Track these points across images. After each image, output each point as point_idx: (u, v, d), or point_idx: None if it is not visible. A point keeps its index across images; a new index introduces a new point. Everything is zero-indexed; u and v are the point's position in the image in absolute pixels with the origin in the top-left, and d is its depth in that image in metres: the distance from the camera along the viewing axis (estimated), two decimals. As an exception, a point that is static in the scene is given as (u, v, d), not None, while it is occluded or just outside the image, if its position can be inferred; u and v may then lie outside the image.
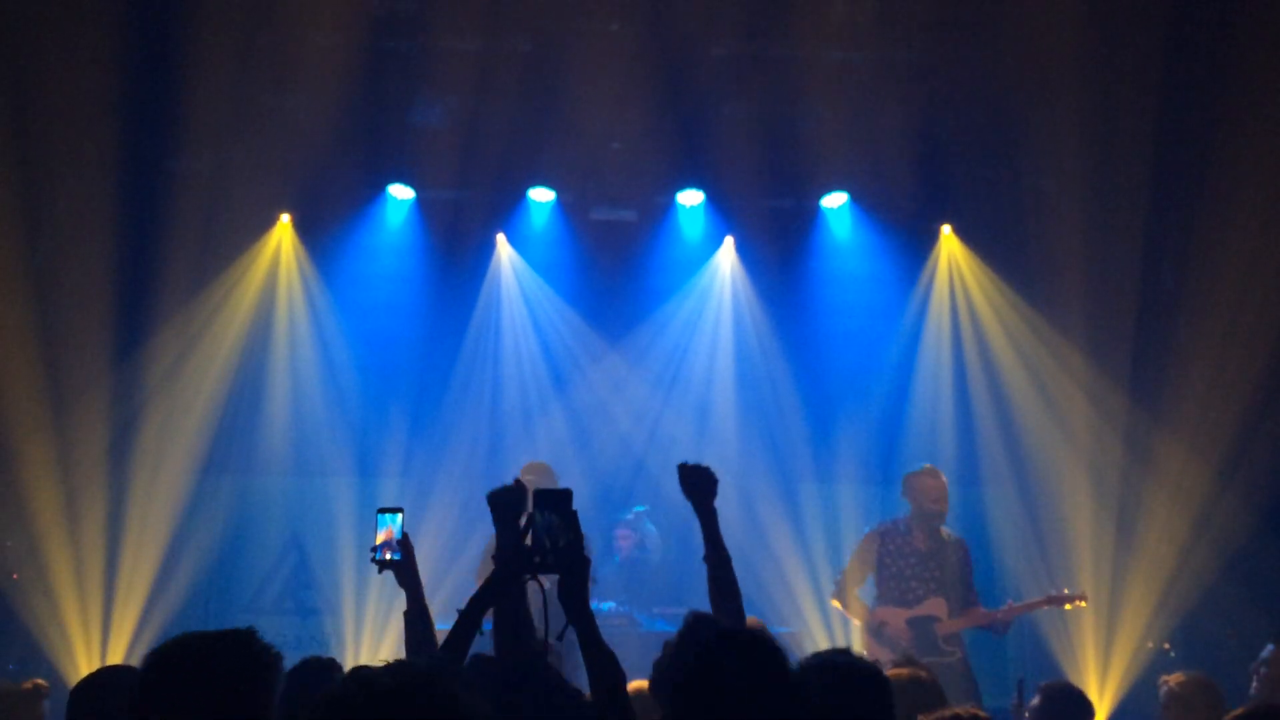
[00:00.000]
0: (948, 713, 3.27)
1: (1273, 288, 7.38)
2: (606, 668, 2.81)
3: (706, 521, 3.51)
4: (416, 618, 3.43)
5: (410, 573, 3.48)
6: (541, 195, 8.57)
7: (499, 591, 3.06)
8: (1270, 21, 6.98)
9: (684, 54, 7.62)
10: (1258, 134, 7.21)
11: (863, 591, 6.79)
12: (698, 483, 3.54)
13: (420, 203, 8.56)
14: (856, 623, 6.83)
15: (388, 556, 3.46)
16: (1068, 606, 6.71)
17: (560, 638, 2.93)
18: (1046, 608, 6.77)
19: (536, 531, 2.94)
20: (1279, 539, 7.54)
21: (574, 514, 2.94)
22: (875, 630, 6.56)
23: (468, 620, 3.05)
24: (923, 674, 3.85)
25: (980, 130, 7.94)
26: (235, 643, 2.30)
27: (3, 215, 7.23)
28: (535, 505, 2.96)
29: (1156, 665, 7.25)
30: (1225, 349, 7.49)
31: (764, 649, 2.37)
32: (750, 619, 3.87)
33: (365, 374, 8.55)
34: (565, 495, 2.96)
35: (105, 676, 3.42)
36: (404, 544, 3.48)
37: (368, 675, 1.82)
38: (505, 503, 3.43)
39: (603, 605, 7.29)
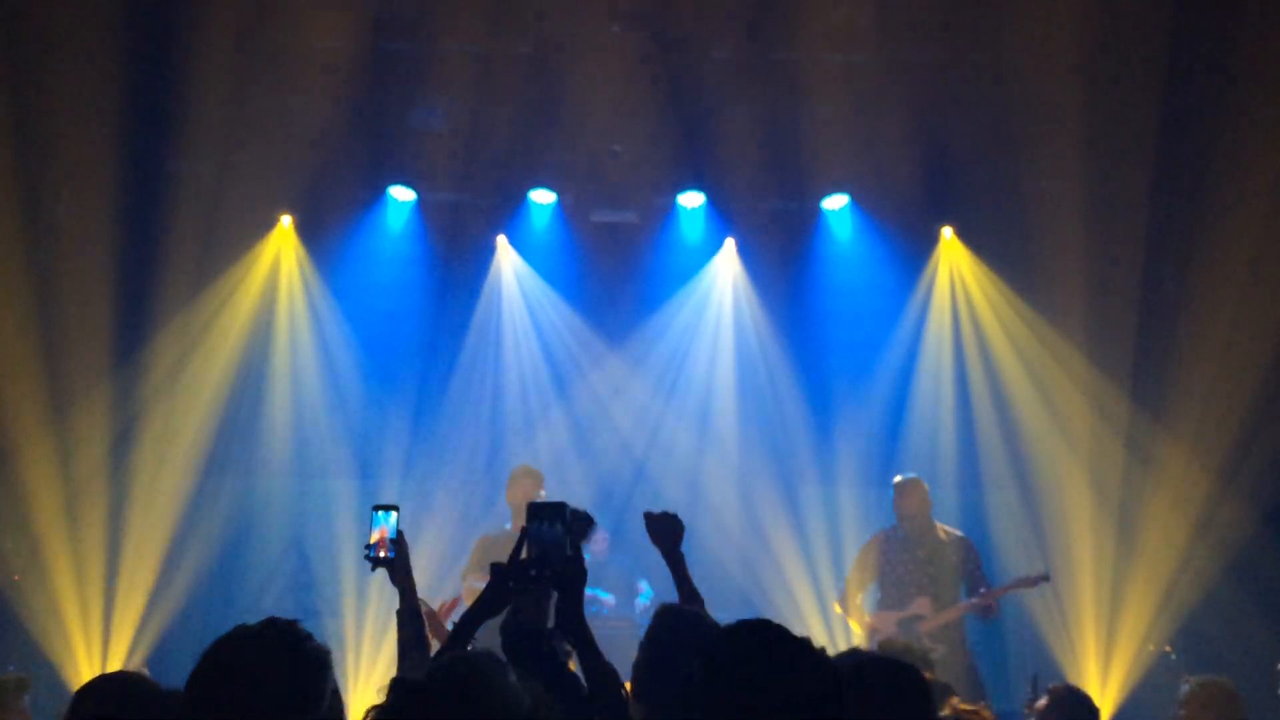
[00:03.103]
0: (949, 712, 3.27)
1: (1274, 290, 7.37)
2: (606, 682, 2.78)
3: (676, 567, 3.54)
4: (410, 617, 3.41)
5: (404, 572, 3.45)
6: (542, 197, 8.56)
7: (492, 607, 3.00)
8: (1272, 24, 6.98)
9: (685, 56, 7.63)
10: (1259, 136, 7.21)
11: (866, 597, 6.83)
12: (664, 529, 3.57)
13: (421, 205, 8.56)
14: (858, 631, 6.86)
15: (381, 554, 3.42)
16: (1032, 587, 6.85)
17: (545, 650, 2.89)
18: (1018, 590, 6.91)
19: (532, 545, 2.90)
20: (1280, 541, 7.54)
21: (569, 528, 2.91)
22: (872, 637, 6.61)
23: (463, 633, 2.99)
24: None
25: (981, 132, 7.92)
26: (284, 643, 2.28)
27: (4, 217, 7.23)
28: (529, 518, 2.91)
29: (1158, 667, 7.26)
30: (1226, 351, 7.48)
31: (783, 635, 2.28)
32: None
33: (366, 375, 8.55)
34: (560, 508, 2.92)
35: (109, 682, 3.40)
36: (398, 542, 3.45)
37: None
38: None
39: (600, 593, 7.29)
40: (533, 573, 2.88)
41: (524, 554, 2.91)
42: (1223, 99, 7.31)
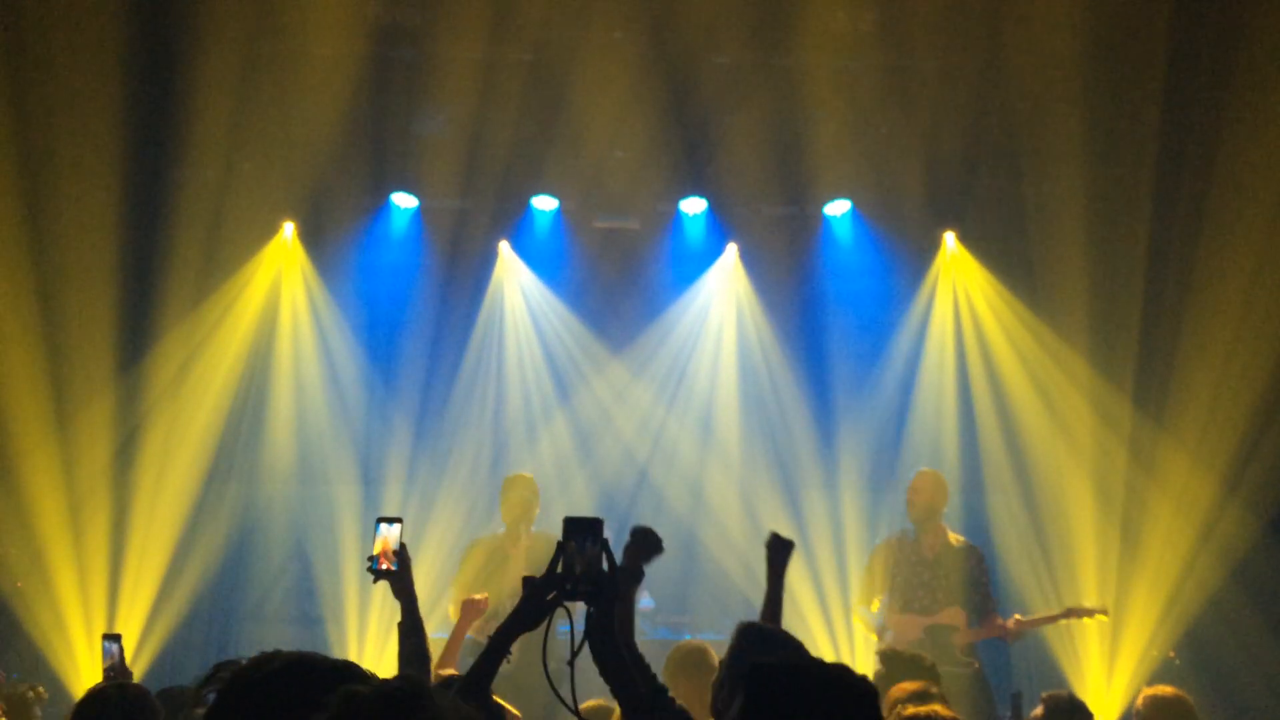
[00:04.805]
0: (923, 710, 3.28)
1: (1277, 295, 7.37)
2: (638, 705, 2.76)
3: (777, 589, 3.69)
4: (411, 630, 3.39)
5: (406, 585, 3.43)
6: (544, 203, 8.57)
7: (528, 620, 2.95)
8: (1272, 27, 6.99)
9: (687, 62, 7.64)
10: (1262, 141, 7.21)
11: (881, 601, 6.74)
12: (782, 554, 3.75)
13: (423, 211, 8.56)
14: (873, 638, 6.77)
15: (384, 567, 3.41)
16: (1088, 620, 6.71)
17: (570, 662, 2.89)
18: (1065, 621, 6.77)
19: (568, 560, 2.87)
20: (1284, 546, 7.52)
21: (605, 542, 2.88)
22: (888, 639, 6.49)
23: (498, 648, 2.94)
24: (934, 689, 3.83)
25: (983, 138, 7.94)
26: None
27: (8, 224, 7.25)
28: (566, 533, 2.88)
29: (1162, 674, 7.23)
30: (1230, 357, 7.48)
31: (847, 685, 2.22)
32: None
33: (369, 381, 8.55)
34: (595, 524, 2.90)
35: (108, 693, 3.40)
36: (401, 555, 3.43)
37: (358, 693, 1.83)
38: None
39: None
40: (568, 587, 2.86)
41: (559, 568, 2.87)
42: (1224, 103, 7.32)
